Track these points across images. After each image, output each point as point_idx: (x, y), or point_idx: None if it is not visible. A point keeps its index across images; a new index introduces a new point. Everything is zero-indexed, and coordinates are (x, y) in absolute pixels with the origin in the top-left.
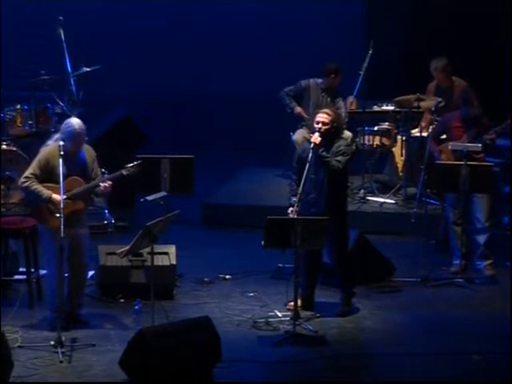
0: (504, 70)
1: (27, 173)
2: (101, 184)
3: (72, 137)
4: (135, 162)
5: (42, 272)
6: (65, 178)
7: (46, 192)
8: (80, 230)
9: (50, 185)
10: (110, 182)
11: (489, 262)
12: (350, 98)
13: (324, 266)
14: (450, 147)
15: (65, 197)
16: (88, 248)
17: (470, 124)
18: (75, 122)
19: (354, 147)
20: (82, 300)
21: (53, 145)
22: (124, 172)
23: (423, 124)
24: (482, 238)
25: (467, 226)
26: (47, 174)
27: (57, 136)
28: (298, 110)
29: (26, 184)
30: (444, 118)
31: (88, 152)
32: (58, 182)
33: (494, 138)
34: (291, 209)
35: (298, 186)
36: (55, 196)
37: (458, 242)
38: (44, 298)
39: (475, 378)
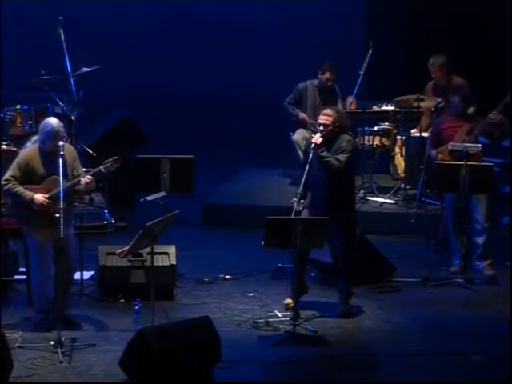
0: (504, 69)
1: (7, 175)
2: (82, 180)
3: (51, 135)
4: (113, 158)
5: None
6: (45, 177)
7: (28, 193)
8: (65, 230)
9: (30, 186)
10: (90, 177)
11: (488, 262)
12: (350, 98)
13: (322, 264)
14: (449, 147)
15: (48, 196)
16: (74, 249)
17: (462, 119)
18: (53, 120)
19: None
20: (69, 301)
21: (32, 146)
22: (103, 169)
23: (423, 123)
24: (480, 239)
25: (467, 226)
26: (27, 176)
27: (35, 138)
28: (302, 115)
29: (7, 187)
30: (434, 123)
31: (68, 151)
32: (39, 183)
33: (499, 118)
34: (296, 208)
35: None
36: (37, 196)
37: (458, 243)
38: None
39: (475, 378)
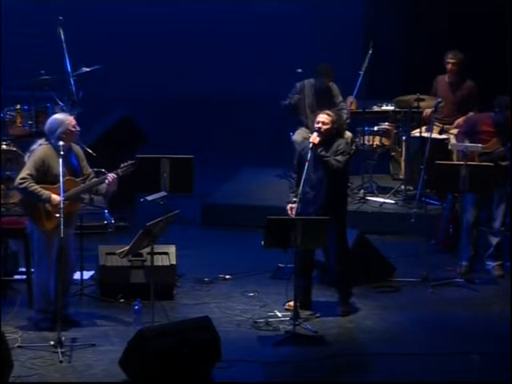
0: (504, 69)
1: (24, 174)
2: (108, 177)
3: (64, 132)
4: (129, 162)
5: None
6: (59, 177)
7: (45, 192)
8: (69, 230)
9: (45, 186)
10: (114, 176)
11: (498, 262)
12: (350, 98)
13: (318, 263)
14: (449, 147)
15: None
16: (74, 248)
17: (501, 129)
18: (61, 117)
19: (353, 147)
20: (69, 300)
21: (44, 145)
22: (120, 172)
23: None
24: (494, 240)
25: (482, 227)
26: (42, 175)
27: (40, 141)
28: (295, 98)
29: (25, 185)
30: (472, 119)
31: (77, 152)
32: (53, 183)
33: None
34: (290, 205)
35: (297, 183)
36: (55, 196)
37: (470, 244)
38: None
39: (475, 378)
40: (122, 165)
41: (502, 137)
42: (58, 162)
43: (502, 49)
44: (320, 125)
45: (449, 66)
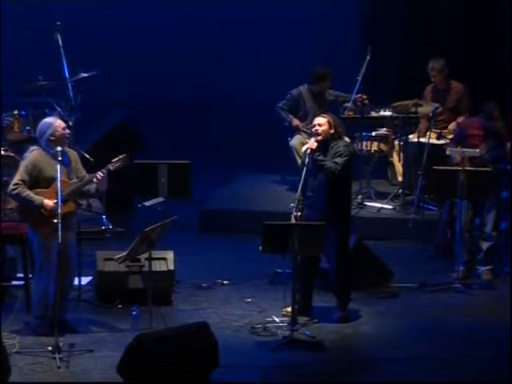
0: (504, 71)
1: (16, 180)
2: (97, 175)
3: (53, 136)
4: (120, 156)
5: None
6: (52, 181)
7: (37, 198)
8: (68, 233)
9: (38, 190)
10: (102, 174)
11: (488, 267)
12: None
13: (320, 270)
14: (447, 152)
15: (55, 201)
16: (75, 252)
17: (490, 134)
18: (50, 120)
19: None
20: (68, 305)
21: (36, 150)
22: (111, 167)
23: (421, 128)
24: (485, 245)
25: (474, 232)
26: (34, 179)
27: (32, 148)
28: (296, 122)
29: (17, 191)
30: (463, 124)
31: (71, 154)
32: (46, 187)
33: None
34: (294, 214)
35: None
36: (47, 202)
37: (463, 249)
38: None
39: (474, 381)
40: (113, 160)
41: (487, 142)
42: (49, 166)
43: (501, 50)
44: (317, 126)
45: (432, 75)
